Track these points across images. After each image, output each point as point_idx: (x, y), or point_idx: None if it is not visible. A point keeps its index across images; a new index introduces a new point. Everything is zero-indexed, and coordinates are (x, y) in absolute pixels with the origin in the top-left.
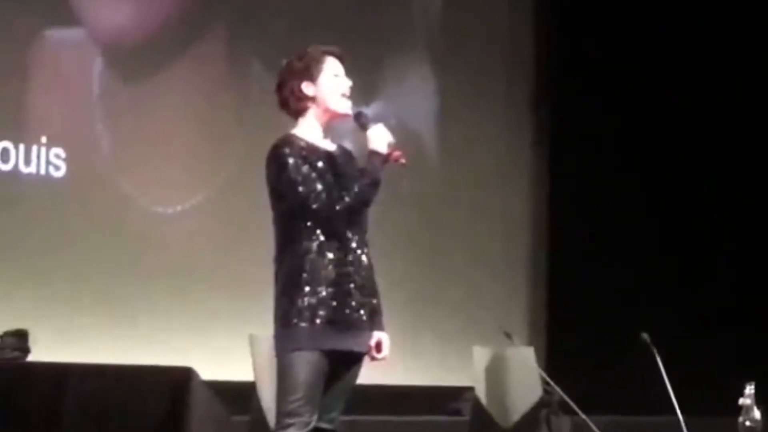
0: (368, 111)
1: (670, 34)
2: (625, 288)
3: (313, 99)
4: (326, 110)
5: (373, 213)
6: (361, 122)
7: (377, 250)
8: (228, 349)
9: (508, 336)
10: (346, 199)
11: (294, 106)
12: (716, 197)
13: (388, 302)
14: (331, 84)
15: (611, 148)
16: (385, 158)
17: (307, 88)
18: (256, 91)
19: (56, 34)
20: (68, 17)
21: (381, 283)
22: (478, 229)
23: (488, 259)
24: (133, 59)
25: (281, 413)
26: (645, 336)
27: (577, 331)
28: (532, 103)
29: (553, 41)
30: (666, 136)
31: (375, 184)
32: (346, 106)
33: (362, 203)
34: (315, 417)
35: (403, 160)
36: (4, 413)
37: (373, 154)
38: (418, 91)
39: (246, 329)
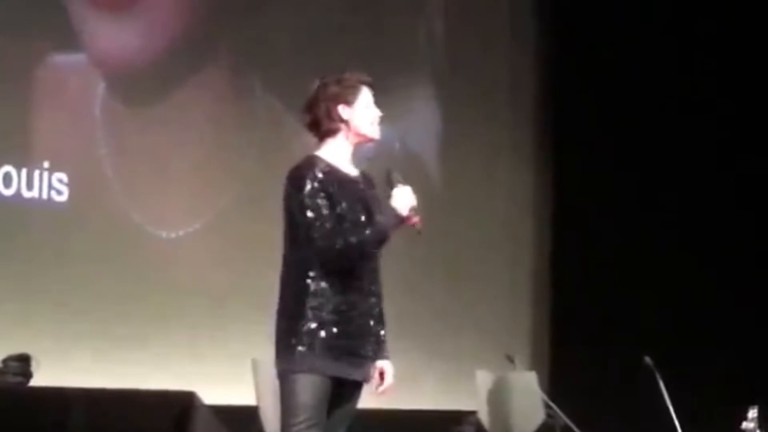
0: (398, 174)
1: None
2: (627, 311)
3: (346, 123)
4: (357, 134)
5: None
6: (390, 180)
7: (383, 274)
8: (231, 373)
9: (511, 360)
10: (352, 239)
11: (326, 126)
12: (725, 218)
13: (389, 326)
14: (366, 113)
15: (616, 169)
16: (403, 220)
17: (343, 110)
18: (261, 114)
19: (59, 59)
20: (71, 42)
21: (389, 308)
22: (481, 251)
23: (491, 281)
24: (136, 83)
25: None
26: (648, 360)
27: (579, 354)
28: (534, 125)
29: (555, 65)
30: (677, 148)
31: (381, 241)
32: (377, 132)
33: (360, 253)
34: None
35: (419, 226)
36: None
37: (393, 213)
38: (421, 114)
39: (249, 354)
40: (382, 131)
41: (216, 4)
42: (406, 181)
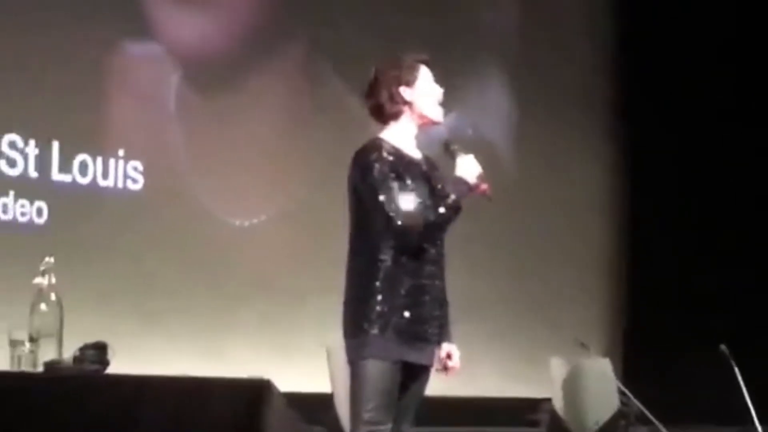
0: (457, 144)
1: (745, 42)
2: (703, 299)
3: (409, 104)
4: (420, 116)
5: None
6: (451, 151)
7: (452, 261)
8: (307, 360)
9: (585, 347)
10: (429, 217)
11: (390, 110)
12: None
13: (466, 314)
14: (427, 91)
15: (689, 162)
16: (471, 188)
17: (405, 92)
18: (334, 103)
19: (134, 48)
20: (145, 30)
21: (459, 294)
22: (556, 239)
23: (566, 270)
24: (210, 72)
25: (357, 421)
26: (724, 348)
27: (654, 341)
28: (608, 126)
29: (629, 66)
30: (748, 147)
31: (457, 210)
32: (439, 114)
33: (440, 225)
34: (390, 424)
35: (489, 193)
36: (83, 425)
37: (460, 181)
38: (494, 102)
39: (323, 340)
40: (455, 117)
41: None
42: (467, 152)
